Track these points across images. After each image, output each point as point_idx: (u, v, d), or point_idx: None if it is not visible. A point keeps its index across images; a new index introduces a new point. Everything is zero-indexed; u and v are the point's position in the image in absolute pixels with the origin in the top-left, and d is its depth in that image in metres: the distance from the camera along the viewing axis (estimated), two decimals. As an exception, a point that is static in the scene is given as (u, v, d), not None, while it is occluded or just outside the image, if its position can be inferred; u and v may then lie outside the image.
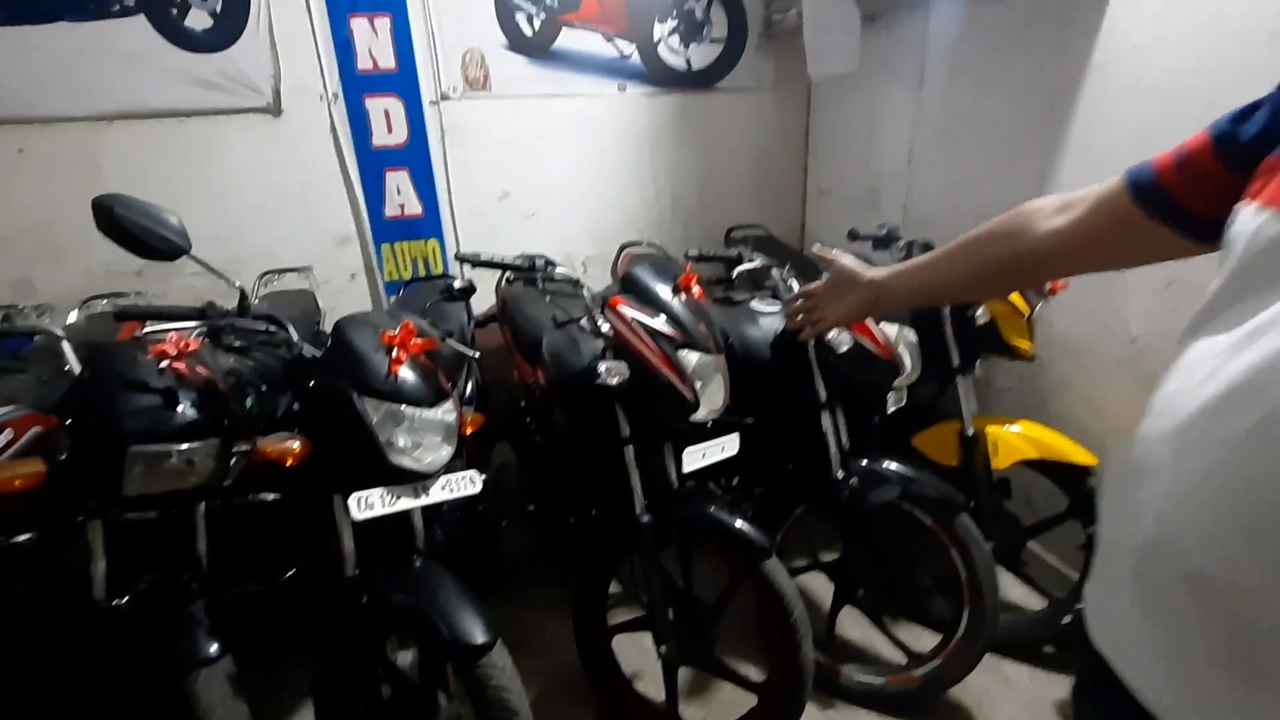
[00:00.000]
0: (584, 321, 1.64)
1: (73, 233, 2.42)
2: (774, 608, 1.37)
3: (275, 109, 2.50)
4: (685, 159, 2.99)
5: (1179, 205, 0.66)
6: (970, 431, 1.74)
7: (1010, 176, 1.95)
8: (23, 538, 1.35)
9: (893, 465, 1.61)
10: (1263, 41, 1.31)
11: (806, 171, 3.09)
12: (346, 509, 1.25)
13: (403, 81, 2.62)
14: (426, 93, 2.65)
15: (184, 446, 1.22)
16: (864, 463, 1.62)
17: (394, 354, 1.22)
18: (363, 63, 2.57)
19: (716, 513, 1.44)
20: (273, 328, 1.30)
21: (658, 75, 2.85)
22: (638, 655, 1.76)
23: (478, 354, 1.70)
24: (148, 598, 1.30)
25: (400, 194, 2.74)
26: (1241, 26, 1.35)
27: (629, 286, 1.52)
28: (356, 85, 2.59)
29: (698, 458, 1.48)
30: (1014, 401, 2.01)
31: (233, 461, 1.32)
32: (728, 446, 1.55)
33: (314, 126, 2.57)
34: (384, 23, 2.55)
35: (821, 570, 1.79)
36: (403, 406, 1.21)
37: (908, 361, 1.59)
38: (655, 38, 2.81)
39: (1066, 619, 1.68)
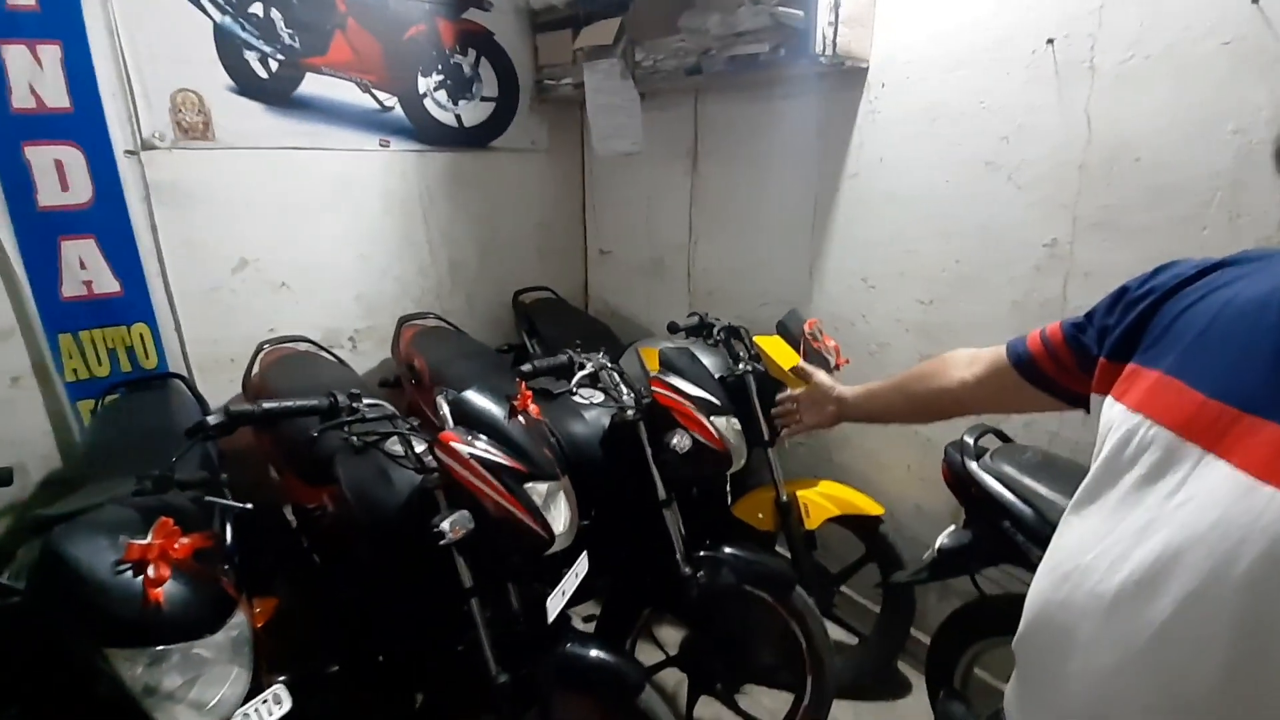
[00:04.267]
0: (394, 447, 1.39)
1: None
2: (654, 745, 1.30)
3: None
4: (462, 221, 2.78)
5: (1047, 376, 0.82)
6: (784, 497, 1.87)
7: (786, 260, 2.17)
8: None
9: (729, 550, 1.65)
10: (980, 168, 1.64)
11: (586, 233, 3.10)
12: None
13: (82, 125, 2.00)
14: (120, 140, 2.06)
15: None
16: (704, 554, 1.63)
17: (150, 572, 0.88)
18: (19, 101, 1.90)
19: (581, 653, 1.32)
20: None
21: (426, 131, 2.61)
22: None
23: (249, 505, 1.34)
24: None
25: (86, 268, 2.08)
26: (964, 155, 1.67)
27: (458, 413, 1.32)
28: (10, 129, 1.90)
29: (560, 599, 1.34)
30: (804, 456, 2.23)
31: None
32: (580, 570, 1.44)
33: (-67, 182, 1.82)
34: (51, 51, 1.91)
35: (673, 665, 1.76)
36: (174, 646, 0.87)
37: (737, 449, 1.65)
38: (420, 91, 2.57)
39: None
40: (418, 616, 1.46)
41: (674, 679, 1.83)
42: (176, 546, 0.90)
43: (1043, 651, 0.69)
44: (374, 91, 2.47)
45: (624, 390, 1.63)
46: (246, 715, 0.98)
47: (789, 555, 1.89)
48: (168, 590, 0.88)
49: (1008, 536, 1.33)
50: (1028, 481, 1.34)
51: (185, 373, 2.25)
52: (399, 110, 2.54)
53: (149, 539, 0.89)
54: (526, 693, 1.28)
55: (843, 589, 2.07)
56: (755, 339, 1.88)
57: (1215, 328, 0.59)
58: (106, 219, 2.09)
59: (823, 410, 1.18)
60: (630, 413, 1.60)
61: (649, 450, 1.60)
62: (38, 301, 2.02)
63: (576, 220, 3.11)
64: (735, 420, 1.67)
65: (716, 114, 2.31)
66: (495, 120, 2.76)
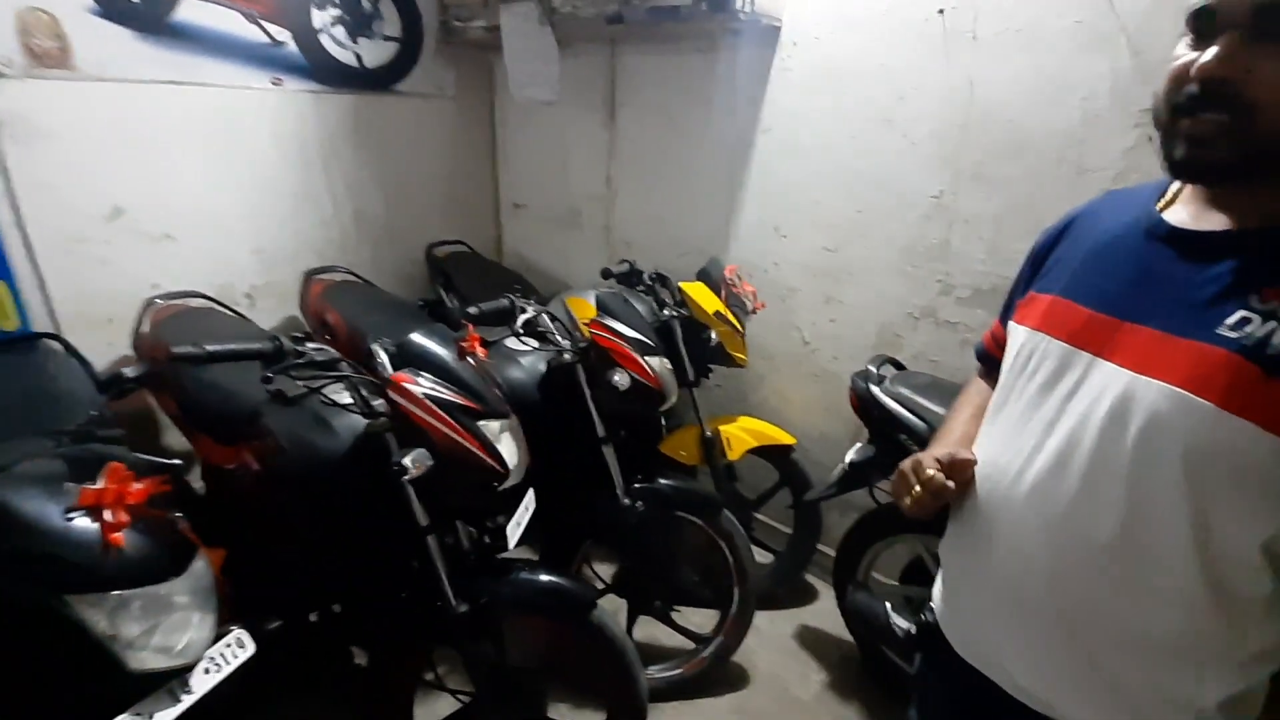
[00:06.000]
0: (334, 394, 1.37)
1: None
2: (608, 653, 1.41)
3: None
4: (367, 169, 2.65)
5: (999, 362, 0.86)
6: (708, 433, 2.01)
7: (704, 211, 2.27)
8: None
9: (662, 481, 1.77)
10: (880, 125, 1.81)
11: (498, 185, 3.05)
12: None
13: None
14: (-48, 64, 1.78)
15: None
16: (639, 486, 1.74)
17: (107, 517, 0.85)
18: None
19: (533, 579, 1.40)
20: None
21: (323, 71, 2.44)
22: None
23: (179, 461, 1.27)
24: None
25: (-81, 215, 1.80)
26: (865, 113, 1.83)
27: (403, 358, 1.32)
28: None
29: (517, 529, 1.40)
30: (722, 396, 2.39)
31: None
32: (529, 504, 1.50)
33: None
34: None
35: (611, 592, 1.88)
36: (138, 591, 0.85)
37: (670, 386, 1.76)
38: (316, 25, 2.39)
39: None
40: (360, 566, 1.46)
41: (611, 606, 1.95)
42: (132, 490, 0.87)
43: (968, 546, 0.79)
44: (262, 23, 2.27)
45: (559, 335, 1.68)
46: (213, 659, 0.98)
47: (712, 486, 2.04)
48: (127, 535, 0.85)
49: (904, 448, 1.54)
50: (920, 400, 1.55)
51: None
52: (292, 46, 2.35)
53: (100, 484, 0.85)
54: (483, 621, 1.34)
55: (758, 515, 2.26)
56: (680, 285, 1.99)
57: (1093, 255, 0.73)
58: (-58, 157, 1.81)
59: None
60: (568, 356, 1.65)
61: (587, 391, 1.67)
62: None
63: (487, 171, 3.04)
64: (666, 360, 1.77)
65: (634, 65, 2.34)
66: (399, 62, 2.63)
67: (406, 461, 1.18)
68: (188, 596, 0.92)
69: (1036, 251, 0.84)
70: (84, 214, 2.06)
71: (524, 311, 1.61)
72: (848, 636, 1.96)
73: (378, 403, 1.29)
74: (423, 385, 1.25)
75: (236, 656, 1.01)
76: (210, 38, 2.18)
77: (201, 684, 0.94)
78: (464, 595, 1.33)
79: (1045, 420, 0.71)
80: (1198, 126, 0.61)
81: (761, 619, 2.09)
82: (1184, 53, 0.63)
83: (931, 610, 0.90)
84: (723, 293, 1.95)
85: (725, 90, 2.10)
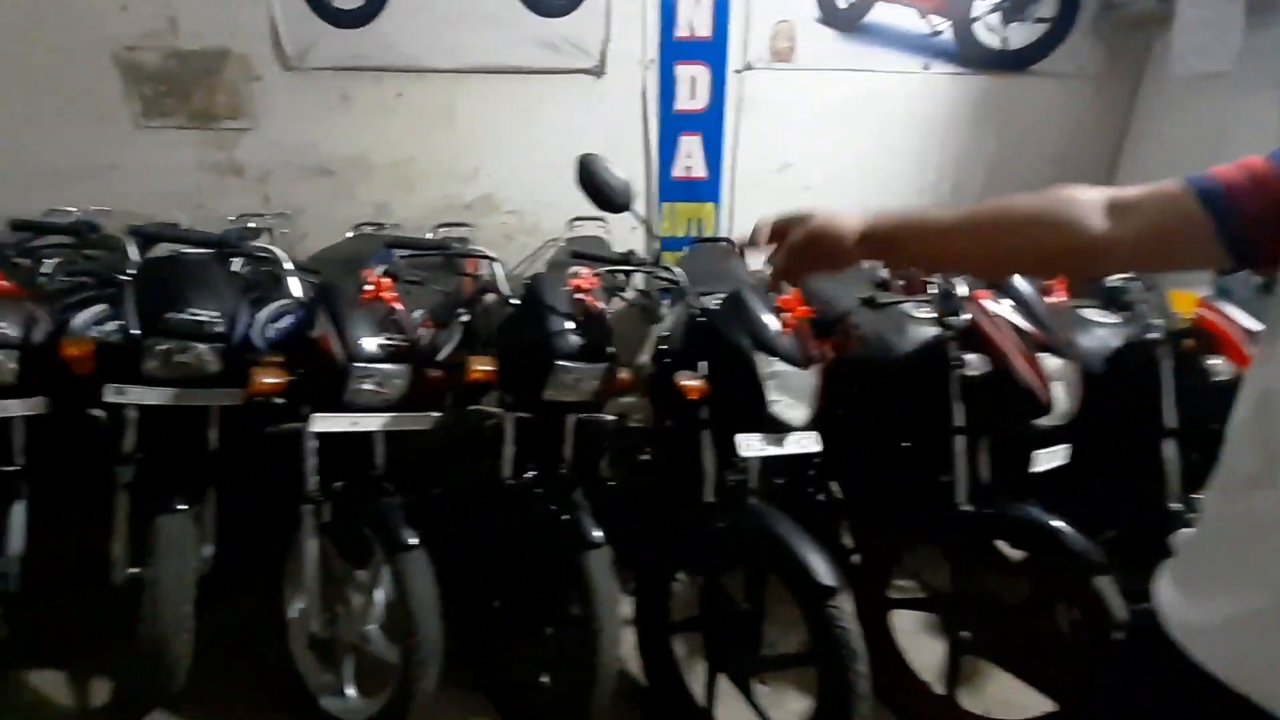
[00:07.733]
0: (912, 309, 1.70)
1: (426, 168, 2.89)
2: (1099, 625, 1.37)
3: (599, 71, 2.76)
4: (977, 146, 2.86)
5: (1243, 223, 0.57)
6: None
7: None
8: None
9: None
10: None
11: (1116, 173, 2.81)
12: (714, 444, 1.45)
13: (713, 50, 2.76)
14: (733, 61, 2.77)
15: (589, 366, 1.48)
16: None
17: (784, 317, 1.37)
18: (681, 30, 2.73)
19: (1041, 519, 1.45)
20: (675, 280, 1.51)
21: (967, 55, 2.73)
22: (900, 636, 1.82)
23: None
24: (536, 482, 1.59)
25: (689, 157, 2.91)
26: None
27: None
28: (671, 52, 2.77)
29: (1038, 460, 1.49)
30: None
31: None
32: (1063, 454, 1.54)
33: (629, 89, 2.79)
34: (706, -8, 2.68)
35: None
36: (784, 364, 1.36)
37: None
38: (973, 14, 2.68)
39: None
40: (892, 450, 1.78)
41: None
42: (797, 310, 1.39)
43: (1246, 539, 0.57)
44: (930, 16, 2.69)
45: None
46: (800, 437, 1.46)
47: None
48: (789, 334, 1.38)
49: None
50: None
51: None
52: (947, 34, 2.71)
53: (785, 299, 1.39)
54: (979, 531, 1.49)
55: None
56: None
57: None
58: (710, 122, 2.86)
59: (836, 253, 0.77)
60: (1154, 335, 1.56)
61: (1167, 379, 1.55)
62: (660, 178, 2.94)
63: (1105, 156, 2.84)
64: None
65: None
66: (1044, 42, 2.70)
67: (971, 359, 1.41)
68: (803, 387, 1.41)
69: None
70: (766, 165, 2.93)
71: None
72: None
73: (953, 319, 1.55)
74: (999, 306, 1.45)
75: (809, 445, 1.47)
76: (886, 33, 2.72)
77: (790, 447, 1.43)
78: (976, 503, 1.50)
79: None
80: None
81: None
82: None
83: (1154, 609, 0.65)
84: None
85: None
